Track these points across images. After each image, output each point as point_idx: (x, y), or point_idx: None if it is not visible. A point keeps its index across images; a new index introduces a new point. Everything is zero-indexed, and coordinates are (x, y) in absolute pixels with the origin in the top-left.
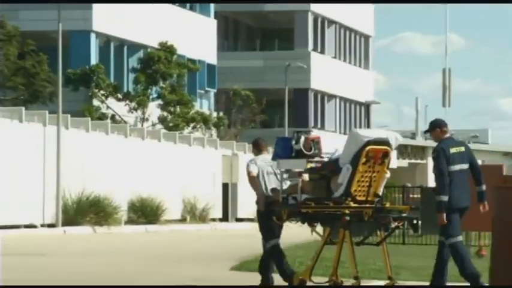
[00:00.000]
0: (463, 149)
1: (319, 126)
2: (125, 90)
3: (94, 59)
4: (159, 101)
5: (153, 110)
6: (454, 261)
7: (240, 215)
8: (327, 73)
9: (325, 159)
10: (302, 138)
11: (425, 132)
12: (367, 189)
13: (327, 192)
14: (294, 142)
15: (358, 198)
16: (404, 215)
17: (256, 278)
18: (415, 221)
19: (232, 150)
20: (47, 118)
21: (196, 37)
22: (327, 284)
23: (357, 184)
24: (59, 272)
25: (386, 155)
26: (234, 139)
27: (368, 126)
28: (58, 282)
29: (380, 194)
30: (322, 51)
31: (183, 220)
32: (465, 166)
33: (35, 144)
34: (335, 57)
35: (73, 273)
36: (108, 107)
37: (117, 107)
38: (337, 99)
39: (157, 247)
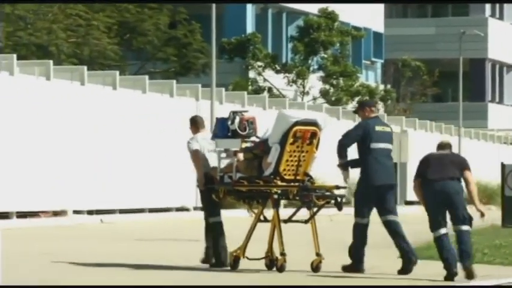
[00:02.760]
0: (388, 129)
1: (497, 99)
2: (283, 61)
3: (250, 28)
4: (320, 73)
5: (314, 82)
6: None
7: (409, 198)
8: (506, 41)
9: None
10: (237, 119)
11: (354, 112)
12: (296, 168)
13: (259, 171)
14: (229, 122)
15: (287, 177)
16: (327, 193)
17: (428, 265)
18: (338, 199)
19: (401, 127)
20: (200, 92)
21: (361, 3)
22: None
23: (285, 163)
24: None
25: (314, 135)
26: (403, 114)
27: None
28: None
29: (310, 173)
30: (501, 17)
31: (346, 203)
32: (389, 146)
33: (187, 121)
34: None
35: None
36: (265, 80)
37: (274, 79)
38: None
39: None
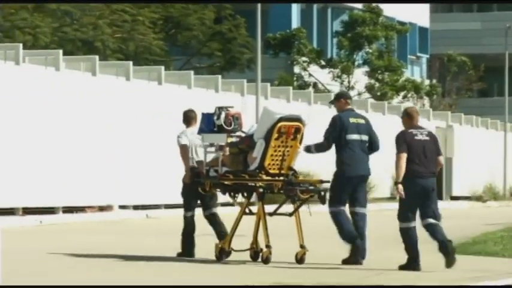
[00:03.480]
0: (362, 121)
1: None
2: (328, 56)
3: (295, 23)
4: (366, 68)
5: (359, 77)
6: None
7: (455, 193)
8: None
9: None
10: (223, 114)
11: (330, 102)
12: (281, 163)
13: (244, 165)
14: (215, 117)
15: (272, 171)
16: (311, 187)
17: (475, 261)
18: (322, 193)
19: (447, 122)
20: (245, 87)
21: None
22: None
23: (270, 158)
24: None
25: (298, 130)
26: (449, 109)
27: None
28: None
29: (294, 167)
30: None
31: (392, 198)
32: (364, 137)
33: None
34: None
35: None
36: (310, 75)
37: (319, 74)
38: None
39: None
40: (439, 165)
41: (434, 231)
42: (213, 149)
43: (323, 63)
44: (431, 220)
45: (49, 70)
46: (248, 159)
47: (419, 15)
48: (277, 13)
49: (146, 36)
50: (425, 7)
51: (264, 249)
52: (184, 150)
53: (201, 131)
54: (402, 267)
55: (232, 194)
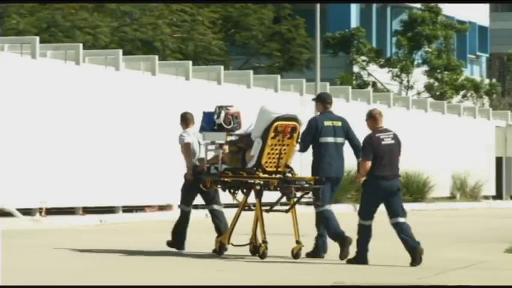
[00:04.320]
0: (339, 123)
1: None
2: (388, 55)
3: (354, 22)
4: (425, 67)
5: (418, 76)
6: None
7: None
8: None
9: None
10: (222, 113)
11: (313, 99)
12: (278, 161)
13: (242, 163)
14: (216, 116)
15: (269, 169)
16: (306, 185)
17: None
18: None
19: (507, 121)
20: (304, 86)
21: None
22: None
23: (267, 156)
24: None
25: (294, 129)
26: (509, 109)
27: None
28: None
29: (290, 165)
30: None
31: (452, 198)
32: (340, 139)
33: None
34: None
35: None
36: (369, 74)
37: (379, 73)
38: None
39: (424, 227)
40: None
41: (401, 229)
42: (213, 146)
43: (382, 62)
44: (400, 219)
45: (109, 70)
46: (246, 157)
47: (479, 14)
48: (336, 13)
49: (205, 36)
50: (485, 6)
51: (261, 245)
52: (187, 148)
53: (202, 129)
54: (349, 261)
55: (231, 190)
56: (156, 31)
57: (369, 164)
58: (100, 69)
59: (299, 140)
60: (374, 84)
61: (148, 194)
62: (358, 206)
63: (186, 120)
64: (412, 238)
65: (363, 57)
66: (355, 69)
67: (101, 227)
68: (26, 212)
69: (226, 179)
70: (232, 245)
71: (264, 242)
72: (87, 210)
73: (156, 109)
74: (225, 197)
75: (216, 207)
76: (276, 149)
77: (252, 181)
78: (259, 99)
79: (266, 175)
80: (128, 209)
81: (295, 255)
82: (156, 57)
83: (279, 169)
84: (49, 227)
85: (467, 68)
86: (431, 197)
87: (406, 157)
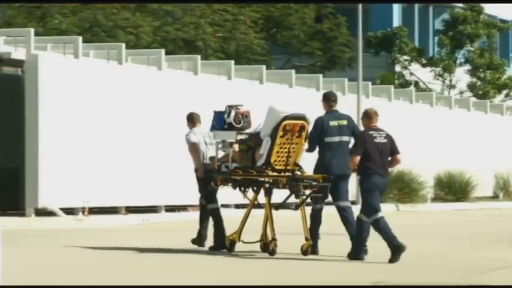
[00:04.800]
0: (345, 122)
1: None
2: (430, 54)
3: (396, 21)
4: (467, 66)
5: (461, 75)
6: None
7: None
8: None
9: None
10: (232, 112)
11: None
12: (286, 159)
13: (252, 161)
14: (226, 116)
15: (278, 167)
16: (314, 183)
17: None
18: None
19: None
20: (346, 86)
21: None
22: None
23: (276, 155)
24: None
25: (303, 128)
26: None
27: None
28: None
29: (299, 163)
30: None
31: (495, 197)
32: (345, 138)
33: None
34: None
35: (371, 253)
36: (411, 73)
37: (421, 73)
38: None
39: (466, 227)
40: (397, 162)
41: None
42: (223, 145)
43: (424, 61)
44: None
45: (151, 69)
46: (256, 155)
47: None
48: (378, 12)
49: (247, 35)
50: None
51: (271, 242)
52: (194, 147)
53: (212, 128)
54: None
55: (242, 188)
56: (198, 30)
57: (357, 158)
58: (142, 69)
59: (307, 140)
60: (416, 84)
61: (191, 193)
62: (400, 206)
63: (192, 120)
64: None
65: (405, 57)
66: (397, 68)
67: (144, 226)
68: (69, 211)
69: (236, 177)
70: (243, 242)
71: (274, 239)
72: (130, 210)
73: (198, 109)
74: (234, 196)
75: (217, 205)
76: (285, 148)
77: (262, 179)
78: (301, 99)
79: (275, 173)
80: (170, 209)
81: (304, 251)
82: (198, 56)
83: (288, 167)
84: (92, 226)
85: (510, 67)
86: (474, 197)
87: (449, 156)
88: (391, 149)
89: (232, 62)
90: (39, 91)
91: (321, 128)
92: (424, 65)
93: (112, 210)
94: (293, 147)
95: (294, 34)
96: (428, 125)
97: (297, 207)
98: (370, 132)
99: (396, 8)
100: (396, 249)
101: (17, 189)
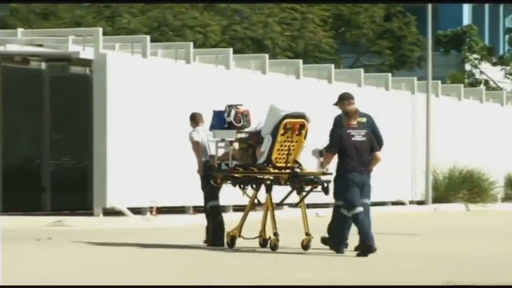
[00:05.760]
0: (364, 119)
1: None
2: (500, 53)
3: (466, 20)
4: None
5: None
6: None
7: None
8: None
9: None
10: (232, 112)
11: (334, 104)
12: (287, 156)
13: (253, 159)
14: (226, 115)
15: (279, 164)
16: (315, 179)
17: None
18: (325, 185)
19: None
20: (416, 85)
21: None
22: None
23: (277, 152)
24: (430, 252)
25: (303, 126)
26: None
27: None
28: (426, 265)
29: (299, 160)
30: None
31: (508, 198)
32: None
33: (403, 115)
34: None
35: (442, 254)
36: (481, 72)
37: (491, 72)
38: None
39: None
40: (377, 160)
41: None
42: (223, 144)
43: (494, 60)
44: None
45: (219, 69)
46: (256, 153)
47: None
48: (448, 10)
49: (316, 34)
50: None
51: (272, 237)
52: (197, 145)
53: (212, 127)
54: (358, 250)
55: (242, 186)
56: (266, 29)
57: (331, 156)
58: (210, 68)
59: (328, 139)
60: (486, 83)
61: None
62: (469, 206)
63: (195, 119)
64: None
65: (475, 55)
66: (467, 67)
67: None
68: (137, 211)
69: (237, 175)
70: (243, 238)
71: (276, 234)
72: (198, 210)
73: (266, 108)
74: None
75: (217, 203)
76: (285, 146)
77: (263, 176)
78: (370, 98)
79: (276, 170)
80: (238, 209)
81: (305, 246)
82: (267, 55)
83: (288, 164)
84: (159, 226)
85: None
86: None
87: None
88: (371, 148)
89: (301, 61)
90: (108, 90)
91: (341, 126)
92: (494, 64)
93: (180, 210)
94: (293, 145)
95: (363, 33)
96: (498, 124)
97: (297, 203)
98: (348, 131)
99: (466, 6)
100: (366, 249)
101: (85, 188)
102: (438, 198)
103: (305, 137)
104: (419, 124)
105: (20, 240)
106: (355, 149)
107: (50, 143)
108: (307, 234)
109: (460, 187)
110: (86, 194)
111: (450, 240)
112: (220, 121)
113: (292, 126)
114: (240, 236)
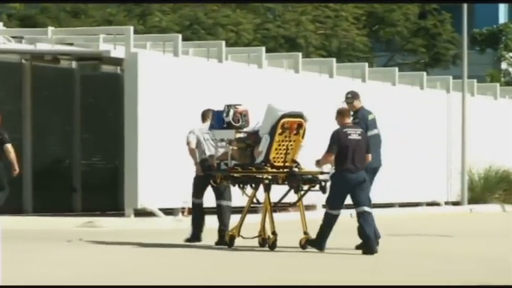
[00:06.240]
0: (374, 116)
1: None
2: None
3: (502, 18)
4: None
5: None
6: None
7: None
8: None
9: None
10: (231, 112)
11: (345, 102)
12: (285, 156)
13: (251, 159)
14: (225, 115)
15: (277, 164)
16: (313, 178)
17: None
18: (323, 183)
19: None
20: (451, 84)
21: None
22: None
23: (275, 152)
24: (466, 253)
25: (300, 126)
26: None
27: None
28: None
29: (297, 160)
30: None
31: None
32: (377, 131)
33: (438, 114)
34: None
35: (479, 255)
36: None
37: None
38: None
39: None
40: (366, 161)
41: (365, 219)
42: (223, 143)
43: None
44: (365, 208)
45: (252, 67)
46: (255, 153)
47: None
48: (483, 8)
49: (349, 32)
50: None
51: (271, 236)
52: (191, 149)
53: (211, 127)
54: (310, 242)
55: (241, 185)
56: (299, 28)
57: (331, 156)
58: (243, 67)
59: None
60: None
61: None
62: (506, 206)
63: (205, 116)
64: (373, 228)
65: (511, 54)
66: (503, 65)
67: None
68: (168, 212)
69: (235, 175)
70: (242, 237)
71: (274, 233)
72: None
73: (299, 107)
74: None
75: (224, 203)
76: (283, 145)
77: (261, 176)
78: (404, 97)
79: (274, 170)
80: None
81: (303, 245)
82: (300, 54)
83: (286, 164)
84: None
85: None
86: None
87: None
88: (367, 147)
89: (334, 59)
90: (139, 89)
91: (366, 123)
92: None
93: (211, 211)
94: (291, 145)
95: (397, 31)
96: None
97: (295, 202)
98: (345, 130)
99: (502, 5)
100: (316, 247)
101: (115, 189)
102: (474, 199)
103: (303, 137)
104: (455, 123)
105: (50, 241)
106: (351, 147)
107: (81, 143)
108: (305, 233)
109: (496, 187)
110: (116, 194)
111: (486, 241)
112: (219, 121)
113: (290, 125)
114: (239, 235)
